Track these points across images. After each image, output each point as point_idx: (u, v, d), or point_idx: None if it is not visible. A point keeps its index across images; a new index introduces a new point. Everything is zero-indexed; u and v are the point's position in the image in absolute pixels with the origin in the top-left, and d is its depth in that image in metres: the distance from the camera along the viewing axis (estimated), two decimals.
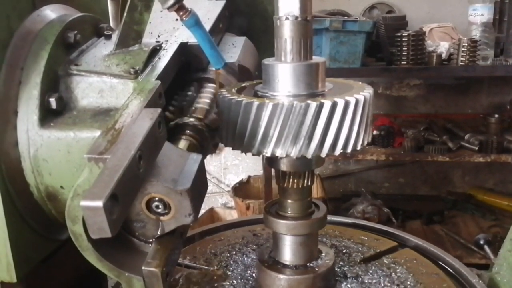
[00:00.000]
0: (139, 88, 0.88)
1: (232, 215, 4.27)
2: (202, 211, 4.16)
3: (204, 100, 0.98)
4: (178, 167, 0.78)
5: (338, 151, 0.87)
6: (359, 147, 0.90)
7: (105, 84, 0.92)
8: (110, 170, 0.64)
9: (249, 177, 4.29)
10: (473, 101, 4.22)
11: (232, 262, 1.24)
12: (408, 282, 1.14)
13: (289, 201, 1.03)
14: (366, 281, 1.14)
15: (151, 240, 0.79)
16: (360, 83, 0.99)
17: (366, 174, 4.52)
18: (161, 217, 0.76)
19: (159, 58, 0.99)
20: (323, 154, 0.86)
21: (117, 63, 0.95)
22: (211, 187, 4.56)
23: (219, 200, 4.71)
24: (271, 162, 0.99)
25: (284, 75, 0.89)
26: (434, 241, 3.59)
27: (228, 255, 1.29)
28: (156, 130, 0.75)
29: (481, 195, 4.16)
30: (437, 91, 4.24)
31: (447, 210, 4.02)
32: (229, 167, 4.64)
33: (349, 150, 0.88)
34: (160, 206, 0.75)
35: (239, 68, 1.09)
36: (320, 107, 0.83)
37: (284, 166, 0.98)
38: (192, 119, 0.91)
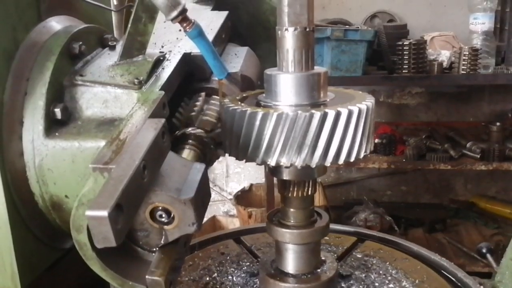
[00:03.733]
0: (143, 98, 0.89)
1: (234, 223, 4.26)
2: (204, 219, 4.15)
3: (211, 112, 0.99)
4: (182, 177, 0.78)
5: (329, 162, 0.87)
6: (361, 156, 0.91)
7: (110, 95, 0.93)
8: (115, 180, 0.64)
9: (251, 185, 4.29)
10: (475, 109, 4.23)
11: (219, 287, 1.19)
12: (390, 270, 1.22)
13: (292, 209, 1.03)
14: (359, 277, 1.19)
15: (154, 249, 0.79)
16: (361, 92, 1.00)
17: (368, 182, 4.52)
18: (165, 226, 0.77)
19: (163, 69, 1.00)
20: (313, 164, 0.87)
21: (122, 73, 0.96)
22: (213, 195, 4.56)
23: (221, 208, 4.71)
24: (273, 171, 1.00)
25: (286, 85, 0.90)
26: (437, 249, 3.55)
27: (210, 278, 1.23)
28: (160, 140, 0.75)
29: (484, 203, 4.14)
30: (439, 99, 4.25)
31: (450, 218, 4.01)
32: (231, 175, 4.65)
33: (351, 159, 0.89)
34: (163, 215, 0.75)
35: (242, 78, 1.10)
36: (318, 116, 0.84)
37: (286, 175, 0.98)
38: (197, 130, 0.92)
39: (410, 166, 3.61)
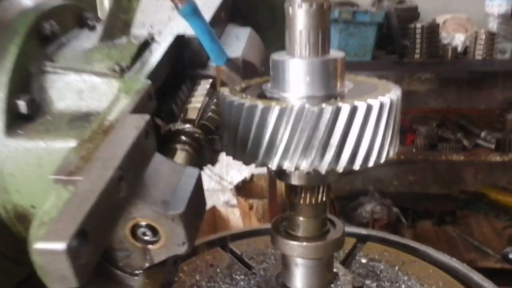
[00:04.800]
0: (125, 88, 0.75)
1: (234, 214, 4.15)
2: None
3: (197, 99, 0.85)
4: (170, 185, 0.65)
5: (358, 165, 0.74)
6: (381, 161, 0.76)
7: (85, 84, 0.78)
8: (80, 197, 0.50)
9: (253, 175, 4.17)
10: (487, 95, 4.06)
11: None
12: (401, 276, 1.13)
13: (302, 218, 0.89)
14: (371, 287, 1.10)
15: (137, 272, 0.67)
16: (385, 81, 0.85)
17: (374, 172, 4.37)
18: (149, 246, 0.64)
19: (151, 53, 0.85)
20: (340, 168, 0.73)
21: (101, 58, 0.81)
22: (212, 184, 4.44)
23: (221, 198, 4.58)
24: (279, 174, 0.85)
25: (299, 73, 0.75)
26: (446, 243, 3.46)
27: None
28: (143, 141, 0.61)
29: (495, 194, 4.01)
30: (450, 86, 4.09)
31: (459, 210, 3.89)
32: (231, 164, 4.51)
33: (369, 164, 0.75)
34: (147, 233, 0.63)
35: (244, 64, 0.97)
36: (329, 111, 0.69)
37: (295, 179, 0.84)
38: (186, 125, 0.79)
39: (421, 157, 3.46)
